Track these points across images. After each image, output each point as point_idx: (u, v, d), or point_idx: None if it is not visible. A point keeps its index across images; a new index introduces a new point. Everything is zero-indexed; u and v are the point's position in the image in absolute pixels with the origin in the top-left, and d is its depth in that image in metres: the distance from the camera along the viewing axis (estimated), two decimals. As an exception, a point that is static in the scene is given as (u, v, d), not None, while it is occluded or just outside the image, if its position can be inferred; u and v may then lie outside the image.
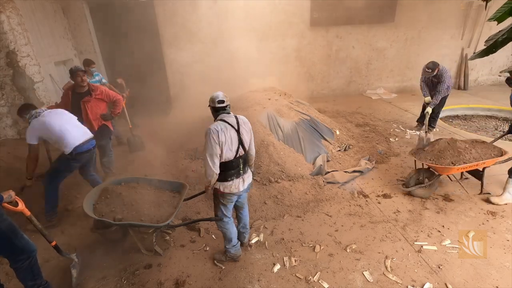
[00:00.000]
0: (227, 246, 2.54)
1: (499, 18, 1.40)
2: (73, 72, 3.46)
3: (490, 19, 1.48)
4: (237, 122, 2.27)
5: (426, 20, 7.56)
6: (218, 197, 2.37)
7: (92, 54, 6.44)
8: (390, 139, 4.97)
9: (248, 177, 2.41)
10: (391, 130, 5.36)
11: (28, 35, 4.55)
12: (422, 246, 2.66)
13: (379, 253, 2.61)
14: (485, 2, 1.46)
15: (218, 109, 2.27)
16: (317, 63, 7.60)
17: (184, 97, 7.47)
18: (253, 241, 2.81)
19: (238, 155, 2.26)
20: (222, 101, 2.26)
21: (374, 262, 2.52)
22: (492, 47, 1.43)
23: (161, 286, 2.36)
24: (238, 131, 2.24)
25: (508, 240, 2.69)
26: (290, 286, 2.32)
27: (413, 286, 2.28)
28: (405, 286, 2.28)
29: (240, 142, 2.26)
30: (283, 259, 2.57)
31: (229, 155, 2.21)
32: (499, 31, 1.45)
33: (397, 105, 6.82)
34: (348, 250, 2.65)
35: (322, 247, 2.69)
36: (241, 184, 2.33)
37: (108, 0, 6.18)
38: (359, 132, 5.22)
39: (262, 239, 2.82)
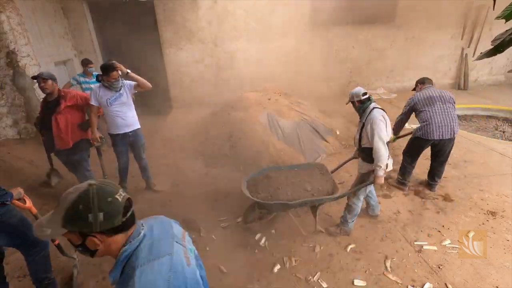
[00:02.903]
0: (348, 220, 2.74)
1: (507, 16, 1.39)
2: (36, 78, 2.95)
3: (498, 17, 1.47)
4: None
5: (426, 20, 7.56)
6: (370, 177, 2.52)
7: (92, 54, 6.44)
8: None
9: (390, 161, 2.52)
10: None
11: (28, 35, 4.54)
12: (422, 246, 2.66)
13: (379, 253, 2.61)
14: (493, 1, 1.45)
15: (364, 101, 2.50)
16: (317, 63, 7.60)
17: (184, 97, 7.48)
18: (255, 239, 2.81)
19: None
20: (366, 93, 2.50)
21: (374, 262, 2.52)
22: (500, 46, 1.42)
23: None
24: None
25: (508, 240, 2.69)
26: (290, 286, 2.32)
27: (413, 286, 2.28)
28: (405, 286, 2.28)
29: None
30: (283, 259, 2.57)
31: (387, 137, 2.42)
32: (506, 30, 1.44)
33: (397, 105, 6.81)
34: (348, 250, 2.65)
35: (322, 247, 2.69)
36: (390, 163, 2.48)
37: (108, 0, 6.18)
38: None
39: (262, 239, 2.82)
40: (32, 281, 2.20)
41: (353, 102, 2.60)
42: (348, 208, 2.74)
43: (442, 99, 3.13)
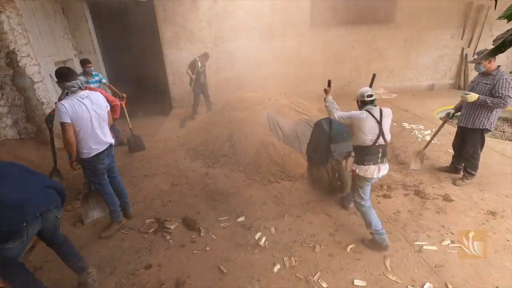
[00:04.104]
0: (371, 231, 2.64)
1: (509, 16, 1.38)
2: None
3: (500, 17, 1.47)
4: (381, 114, 2.47)
5: (426, 20, 7.56)
6: (355, 180, 2.63)
7: (92, 54, 6.45)
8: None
9: (385, 168, 2.53)
10: (391, 130, 5.35)
11: (28, 35, 4.55)
12: (422, 246, 2.65)
13: (379, 253, 2.61)
14: (494, 1, 1.44)
15: (366, 102, 2.53)
16: (317, 63, 7.60)
17: (184, 97, 7.47)
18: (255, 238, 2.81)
19: (377, 144, 2.45)
20: (371, 95, 2.51)
21: (374, 262, 2.52)
22: (501, 46, 1.41)
23: (161, 286, 2.36)
24: (380, 122, 2.45)
25: (508, 240, 2.69)
26: (290, 286, 2.32)
27: (413, 286, 2.28)
28: (405, 286, 2.28)
29: (381, 133, 2.45)
30: (283, 259, 2.57)
31: (367, 141, 2.45)
32: (507, 30, 1.44)
33: (397, 105, 6.81)
34: (348, 250, 2.65)
35: (322, 247, 2.69)
36: (376, 171, 2.48)
37: (108, 0, 6.18)
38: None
39: (262, 239, 2.82)
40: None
41: (357, 101, 2.66)
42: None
43: None
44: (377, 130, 2.45)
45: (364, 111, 2.48)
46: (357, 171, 2.54)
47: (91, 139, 2.60)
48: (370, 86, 2.95)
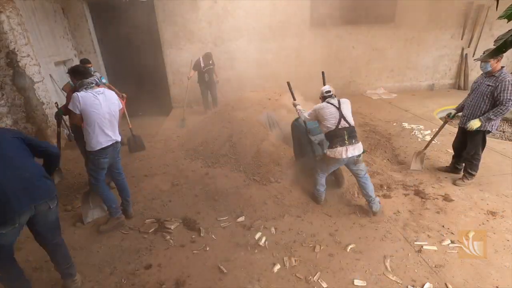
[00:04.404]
0: (314, 189, 3.25)
1: (510, 16, 1.38)
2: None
3: (500, 17, 1.46)
4: (338, 102, 2.90)
5: (426, 20, 7.56)
6: (324, 158, 3.01)
7: (92, 54, 6.45)
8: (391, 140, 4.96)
9: (354, 148, 2.80)
10: (391, 130, 5.36)
11: (28, 35, 4.55)
12: (422, 246, 2.65)
13: (379, 253, 2.61)
14: (496, 1, 1.44)
15: (326, 97, 2.97)
16: (317, 63, 7.59)
17: (184, 97, 7.47)
18: (255, 238, 2.81)
19: (340, 126, 2.80)
20: (329, 91, 2.97)
21: (374, 262, 2.52)
22: (502, 47, 1.40)
23: (161, 286, 2.36)
24: (338, 108, 2.85)
25: (508, 240, 2.69)
26: (290, 286, 2.32)
27: (413, 286, 2.28)
28: (405, 286, 2.28)
29: (341, 116, 2.82)
30: (283, 259, 2.57)
31: (330, 125, 2.82)
32: (509, 30, 1.43)
33: (397, 105, 6.82)
34: (348, 250, 2.65)
35: (322, 247, 2.69)
36: (344, 152, 2.77)
37: (108, 0, 6.18)
38: (359, 132, 5.18)
39: (262, 239, 2.82)
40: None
41: (320, 98, 3.07)
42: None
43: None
44: (337, 115, 2.83)
45: (323, 102, 2.94)
46: (328, 153, 2.88)
47: (100, 134, 2.69)
48: (324, 84, 3.38)
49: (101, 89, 2.71)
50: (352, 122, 2.87)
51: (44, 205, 1.97)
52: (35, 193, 1.91)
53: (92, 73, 4.67)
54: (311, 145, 3.42)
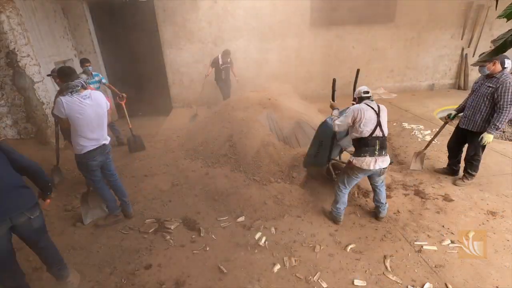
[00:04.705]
0: (332, 207, 3.00)
1: (509, 15, 1.37)
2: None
3: (499, 16, 1.45)
4: (378, 107, 2.63)
5: (426, 20, 7.56)
6: (347, 168, 2.76)
7: (92, 54, 6.45)
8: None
9: (382, 160, 2.60)
10: (391, 130, 5.36)
11: (28, 35, 4.55)
12: (422, 246, 2.65)
13: (379, 253, 2.61)
14: (495, 1, 1.44)
15: (363, 98, 2.70)
16: (317, 63, 7.60)
17: (184, 97, 7.48)
18: (255, 238, 2.81)
19: (374, 135, 2.56)
20: (367, 92, 2.72)
21: (374, 262, 2.52)
22: (502, 47, 1.39)
23: (161, 286, 2.36)
24: (378, 113, 2.59)
25: (508, 240, 2.69)
26: (290, 286, 2.32)
27: (413, 286, 2.28)
28: (405, 286, 2.28)
29: (379, 123, 2.57)
30: (283, 259, 2.57)
31: (365, 132, 2.56)
32: (508, 30, 1.43)
33: (397, 105, 6.82)
34: (348, 250, 2.65)
35: (322, 247, 2.69)
36: (373, 163, 2.57)
37: (108, 0, 6.18)
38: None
39: (262, 239, 2.82)
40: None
41: (355, 99, 2.82)
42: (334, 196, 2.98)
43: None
44: (375, 121, 2.57)
45: (362, 104, 2.63)
46: (353, 162, 2.64)
47: (85, 138, 2.65)
48: (356, 82, 3.23)
49: (87, 92, 2.62)
50: (386, 132, 2.64)
51: (21, 216, 1.93)
52: (7, 205, 1.86)
53: (92, 73, 4.69)
54: (330, 152, 3.21)
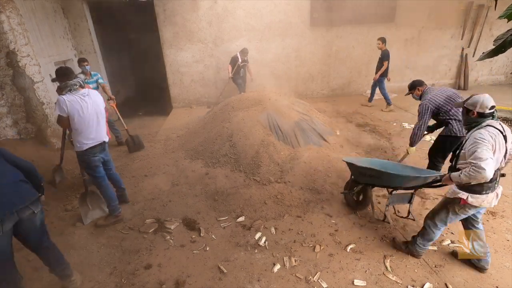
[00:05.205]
0: (417, 242, 2.45)
1: (509, 16, 1.38)
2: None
3: (500, 17, 1.46)
4: (503, 128, 1.98)
5: (426, 20, 7.57)
6: (455, 205, 2.16)
7: (92, 54, 6.45)
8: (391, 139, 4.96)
9: (500, 192, 2.12)
10: (391, 130, 5.36)
11: (28, 35, 4.55)
12: (422, 246, 2.65)
13: (379, 253, 2.61)
14: (494, 1, 1.45)
15: (486, 116, 2.00)
16: (317, 63, 7.60)
17: (184, 97, 7.48)
18: (255, 238, 2.81)
19: (499, 167, 2.01)
20: (494, 107, 2.01)
21: (374, 262, 2.52)
22: (501, 47, 1.40)
23: (161, 286, 2.36)
24: (505, 137, 1.95)
25: (508, 240, 2.69)
26: (290, 286, 2.32)
27: (413, 286, 2.28)
28: (405, 286, 2.28)
29: (506, 153, 2.00)
30: (283, 259, 2.57)
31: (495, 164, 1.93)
32: (508, 30, 1.43)
33: (397, 105, 6.82)
34: (348, 250, 2.65)
35: (322, 247, 2.69)
36: (494, 199, 2.08)
37: (108, 0, 6.18)
38: (358, 132, 5.22)
39: (262, 239, 2.82)
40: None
41: (469, 110, 2.09)
42: (422, 230, 2.44)
43: (456, 95, 3.17)
44: (504, 149, 1.95)
45: (490, 127, 1.95)
46: (468, 200, 2.06)
47: (87, 135, 2.75)
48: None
49: (85, 91, 2.72)
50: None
51: (27, 210, 1.95)
52: (13, 199, 1.88)
53: (91, 73, 4.68)
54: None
